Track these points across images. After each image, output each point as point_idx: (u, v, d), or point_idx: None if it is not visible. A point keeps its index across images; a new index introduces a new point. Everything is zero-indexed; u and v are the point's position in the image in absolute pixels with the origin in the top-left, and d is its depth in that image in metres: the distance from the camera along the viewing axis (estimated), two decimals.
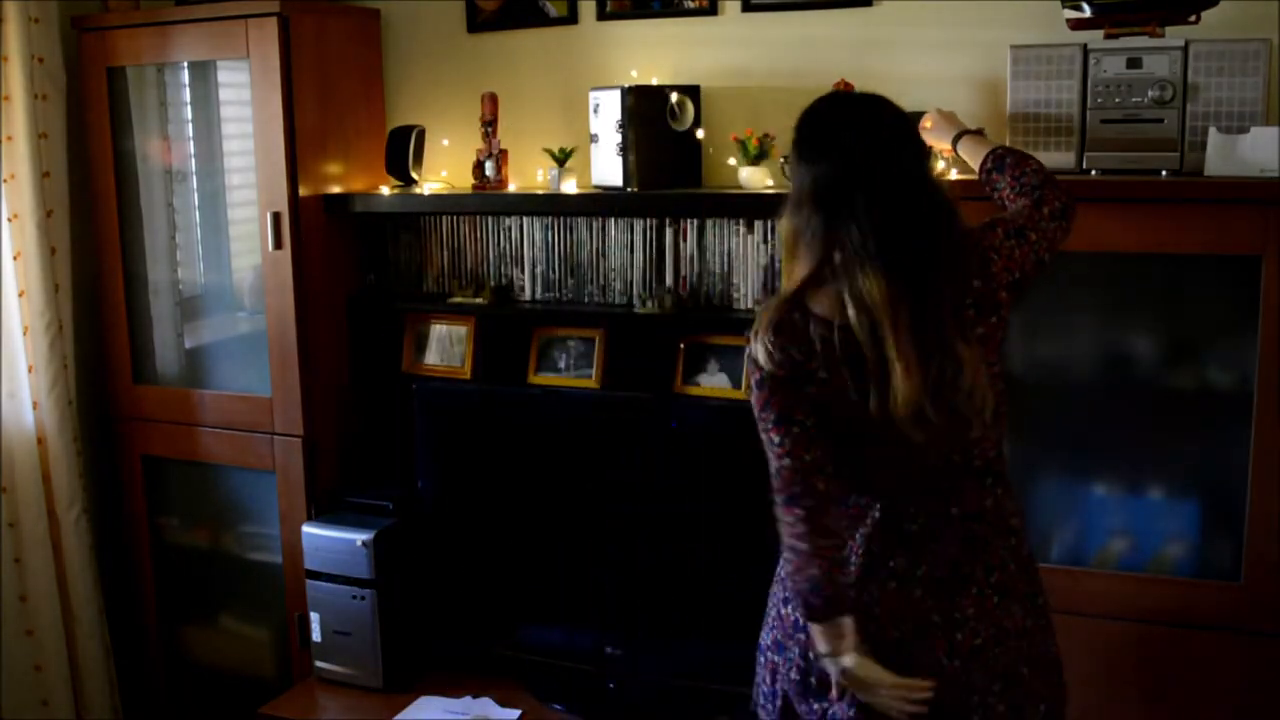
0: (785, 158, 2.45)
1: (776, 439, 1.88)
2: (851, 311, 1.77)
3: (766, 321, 1.84)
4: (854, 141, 1.81)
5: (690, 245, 2.86)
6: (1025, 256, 1.89)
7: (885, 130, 1.84)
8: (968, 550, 1.89)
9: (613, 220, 2.93)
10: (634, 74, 2.97)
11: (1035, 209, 1.96)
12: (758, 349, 1.85)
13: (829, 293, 1.81)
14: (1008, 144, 2.41)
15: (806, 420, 1.85)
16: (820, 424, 1.85)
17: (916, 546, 1.89)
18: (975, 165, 2.19)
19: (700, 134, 2.90)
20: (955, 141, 2.27)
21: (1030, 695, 1.92)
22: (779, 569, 2.02)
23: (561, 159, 2.96)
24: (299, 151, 3.00)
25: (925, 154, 1.93)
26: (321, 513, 3.11)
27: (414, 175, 3.12)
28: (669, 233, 2.88)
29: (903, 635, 1.89)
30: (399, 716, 2.87)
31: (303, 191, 3.03)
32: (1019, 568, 1.93)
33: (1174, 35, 2.33)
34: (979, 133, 2.29)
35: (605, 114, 2.81)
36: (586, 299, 2.99)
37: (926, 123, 2.35)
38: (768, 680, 2.06)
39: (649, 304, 2.87)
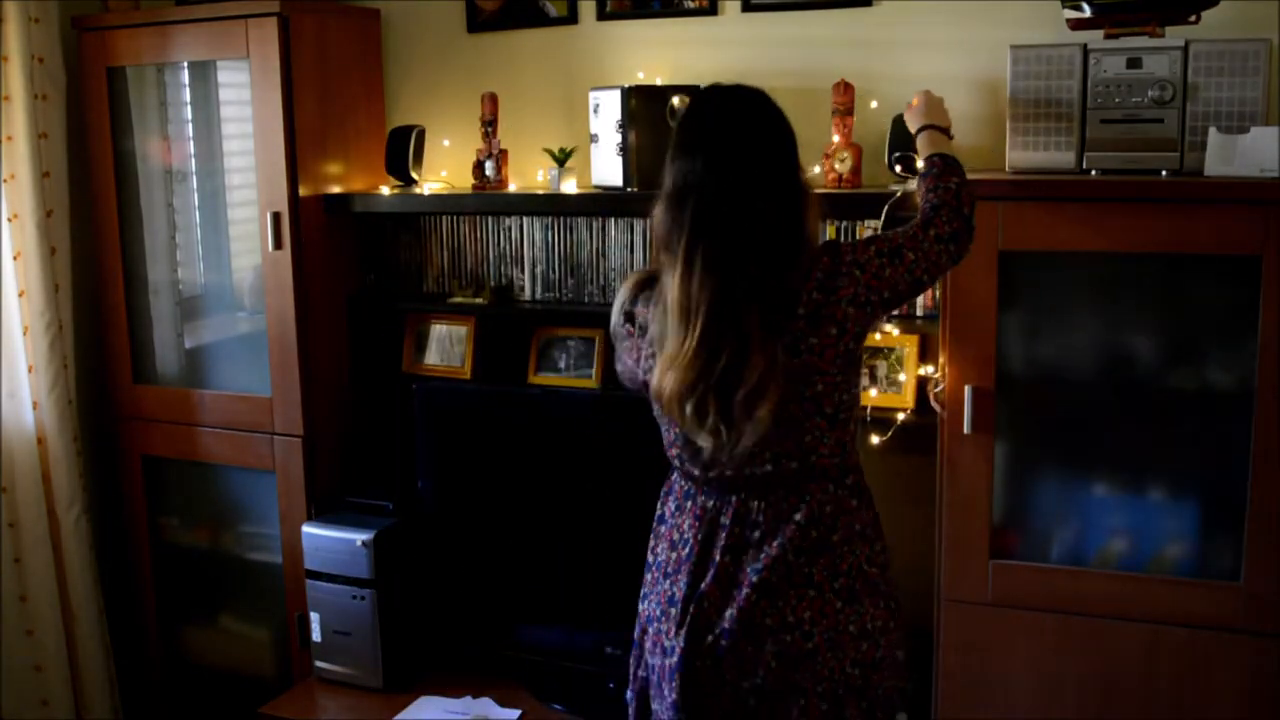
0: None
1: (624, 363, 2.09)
2: (663, 304, 1.89)
3: (618, 307, 2.04)
4: (716, 140, 1.88)
5: None
6: (897, 276, 1.92)
7: (747, 128, 1.89)
8: (809, 555, 1.93)
9: (613, 220, 2.93)
10: (639, 75, 2.97)
11: (922, 229, 1.98)
12: (615, 323, 2.06)
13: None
14: (1007, 143, 2.42)
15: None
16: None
17: (754, 549, 1.93)
18: (921, 157, 2.20)
19: None
20: (918, 132, 2.27)
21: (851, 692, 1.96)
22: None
23: (561, 159, 2.96)
24: (299, 151, 3.00)
25: (780, 160, 1.92)
26: (321, 513, 3.11)
27: (414, 175, 3.12)
28: None
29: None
30: (399, 716, 2.87)
31: (303, 191, 3.03)
32: (878, 571, 1.99)
33: (1174, 35, 2.33)
34: (945, 131, 2.27)
35: (605, 114, 2.81)
36: (586, 299, 2.99)
37: (914, 101, 2.34)
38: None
39: None
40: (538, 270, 3.04)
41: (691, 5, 2.93)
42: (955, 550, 2.40)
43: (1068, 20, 2.41)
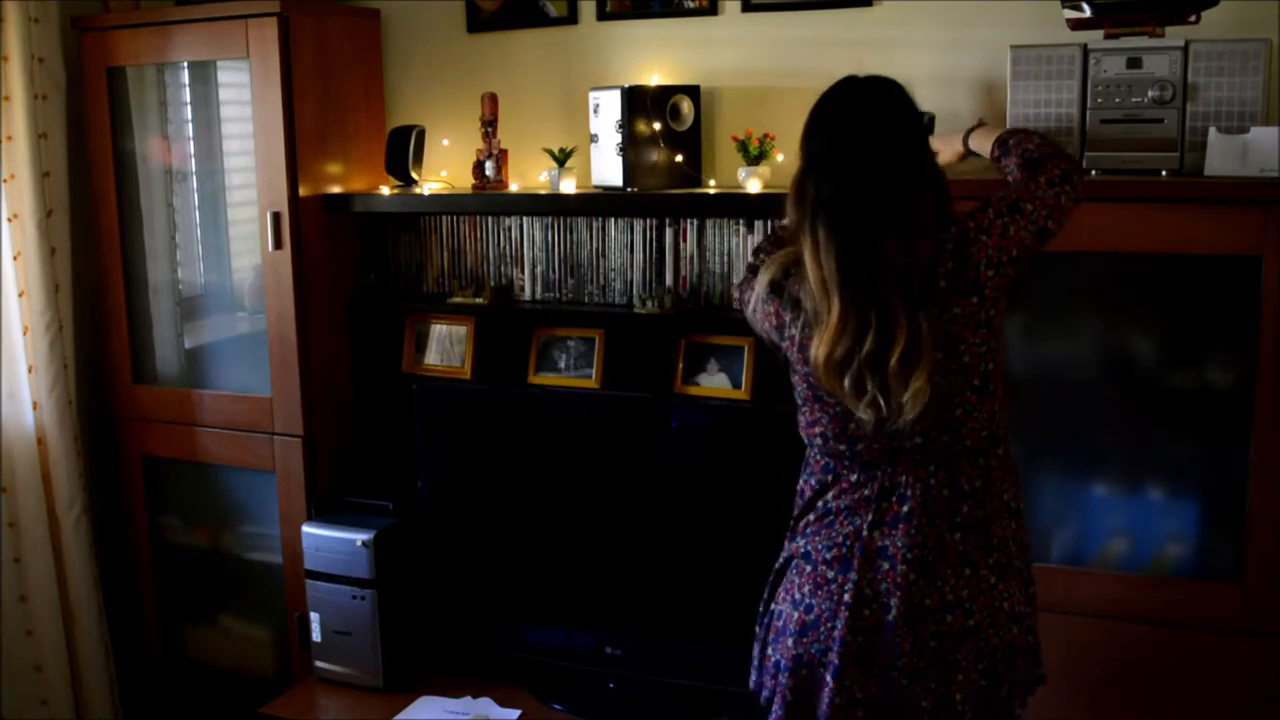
0: None
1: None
2: (808, 281, 1.88)
3: (767, 281, 1.98)
4: (839, 122, 1.92)
5: (690, 245, 2.86)
6: (1022, 230, 1.91)
7: (870, 111, 1.93)
8: (963, 531, 1.92)
9: (613, 220, 2.93)
10: (650, 76, 2.97)
11: (1032, 179, 1.97)
12: (759, 295, 1.99)
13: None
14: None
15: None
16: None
17: (905, 524, 1.91)
18: (988, 156, 2.20)
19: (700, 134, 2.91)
20: (965, 140, 2.28)
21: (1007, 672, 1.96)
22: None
23: (561, 159, 2.96)
24: (299, 151, 3.00)
25: (910, 137, 1.95)
26: (321, 513, 3.11)
27: (414, 175, 3.12)
28: (669, 233, 2.88)
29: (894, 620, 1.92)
30: (399, 716, 2.87)
31: (303, 191, 3.03)
32: (1018, 550, 1.97)
33: (1174, 35, 2.33)
34: (981, 125, 2.30)
35: (605, 114, 2.81)
36: (586, 299, 2.99)
37: (936, 145, 2.32)
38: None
39: (649, 304, 2.87)
40: (538, 270, 3.04)
41: (691, 5, 2.93)
42: None
43: (1068, 20, 2.41)
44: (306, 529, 3.03)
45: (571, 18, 3.06)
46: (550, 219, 3.00)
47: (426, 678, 3.04)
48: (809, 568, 1.98)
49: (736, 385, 2.84)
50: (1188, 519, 2.40)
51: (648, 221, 2.90)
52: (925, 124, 2.00)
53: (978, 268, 1.88)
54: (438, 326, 3.20)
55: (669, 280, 2.89)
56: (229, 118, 3.23)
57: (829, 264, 1.84)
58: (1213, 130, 2.24)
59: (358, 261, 3.23)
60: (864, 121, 1.91)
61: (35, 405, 3.17)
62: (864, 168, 1.87)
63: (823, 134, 1.92)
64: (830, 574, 1.95)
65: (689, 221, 2.86)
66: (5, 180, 3.08)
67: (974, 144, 2.27)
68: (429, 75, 3.26)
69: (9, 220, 3.10)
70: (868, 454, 1.93)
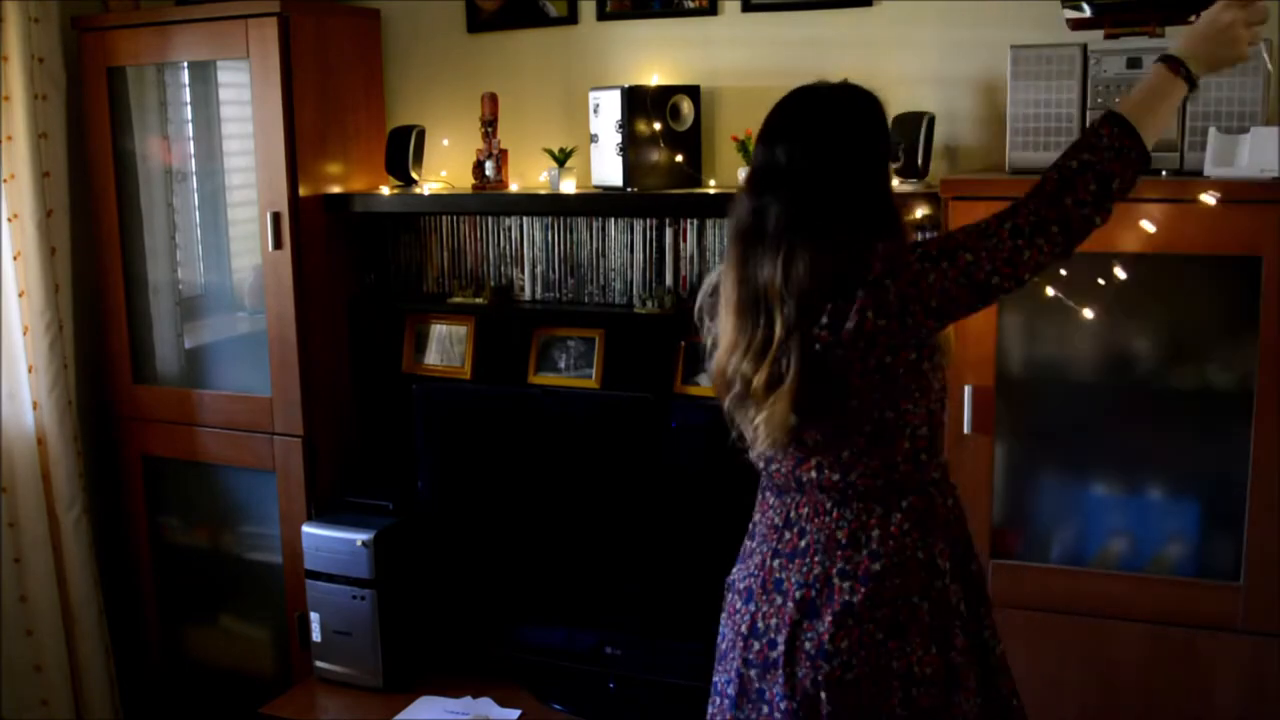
0: None
1: None
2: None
3: (700, 297, 2.00)
4: (772, 134, 1.83)
5: (690, 245, 2.86)
6: (948, 281, 1.71)
7: (804, 127, 1.81)
8: (853, 581, 1.79)
9: (613, 220, 2.93)
10: (650, 76, 2.97)
11: (998, 222, 1.74)
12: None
13: None
14: (1007, 143, 2.41)
15: None
16: None
17: (800, 559, 1.84)
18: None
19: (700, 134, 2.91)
20: (1159, 60, 1.88)
21: None
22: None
23: (561, 159, 2.96)
24: (299, 151, 3.00)
25: (863, 159, 1.80)
26: (321, 513, 3.11)
27: (414, 175, 3.12)
28: (669, 233, 2.88)
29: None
30: (399, 716, 2.87)
31: (303, 191, 3.03)
32: (935, 609, 1.81)
33: (1174, 35, 2.32)
34: (1192, 83, 1.86)
35: (605, 114, 2.81)
36: (586, 299, 2.99)
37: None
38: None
39: (649, 304, 2.87)
40: (538, 270, 3.04)
41: (691, 5, 2.93)
42: None
43: (1068, 20, 2.40)
44: (306, 529, 3.03)
45: (571, 18, 3.06)
46: (550, 219, 3.00)
47: (426, 678, 3.04)
48: (729, 595, 1.95)
49: None
50: (1188, 519, 2.40)
51: (648, 221, 2.90)
52: (879, 145, 1.83)
53: (864, 313, 1.71)
54: (438, 326, 3.20)
55: (669, 280, 2.89)
56: (229, 118, 3.23)
57: (728, 284, 1.82)
58: (1213, 130, 2.24)
59: (358, 261, 3.23)
60: (800, 134, 1.80)
61: (35, 405, 3.17)
62: (783, 188, 1.77)
63: (762, 144, 1.83)
64: (739, 603, 1.91)
65: (689, 221, 2.85)
66: (5, 180, 3.08)
67: (1151, 76, 1.87)
68: (429, 75, 3.26)
69: (9, 220, 3.10)
70: (777, 477, 1.89)
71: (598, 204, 2.91)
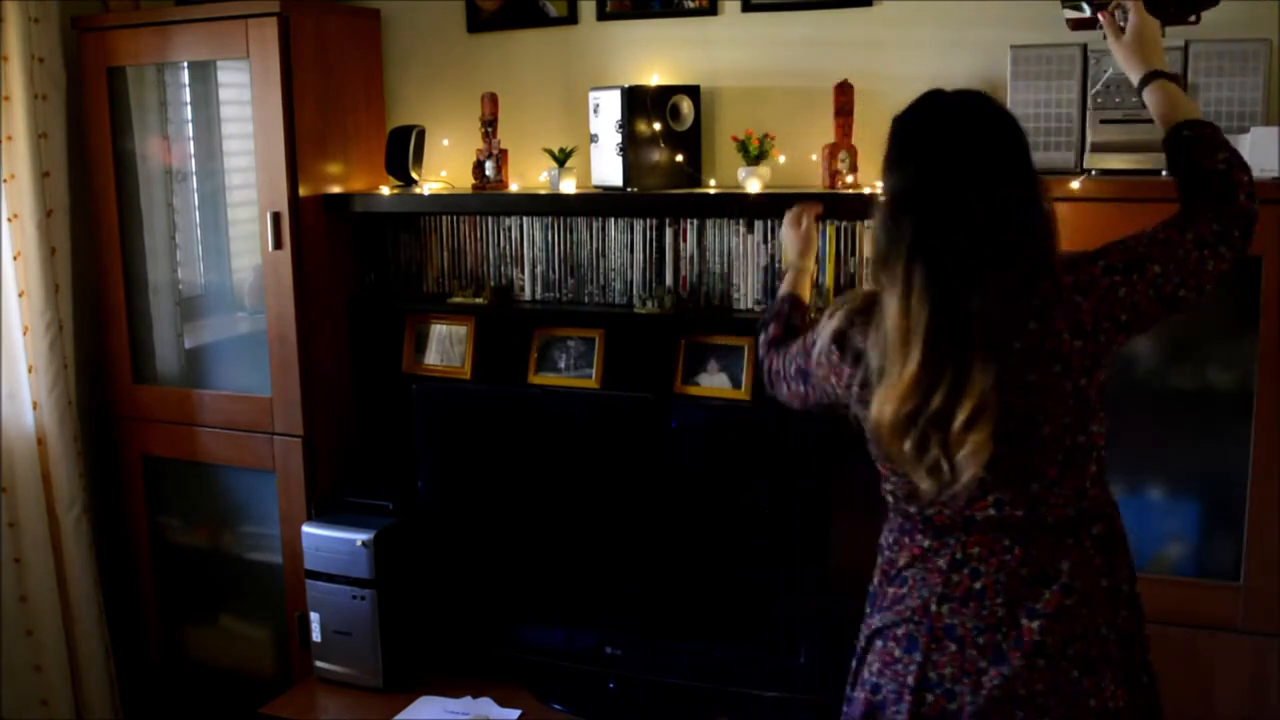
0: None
1: (792, 375, 1.98)
2: (883, 329, 1.71)
3: (831, 330, 1.82)
4: (935, 147, 1.70)
5: (690, 245, 2.86)
6: (1138, 295, 1.68)
7: (973, 134, 1.70)
8: (1044, 620, 1.71)
9: (613, 220, 2.93)
10: (650, 76, 2.97)
11: (1178, 232, 1.71)
12: (821, 346, 1.85)
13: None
14: None
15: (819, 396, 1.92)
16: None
17: (976, 602, 1.73)
18: (1159, 124, 1.90)
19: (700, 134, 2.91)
20: (1142, 86, 1.93)
21: None
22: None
23: (561, 159, 2.96)
24: (299, 151, 3.00)
25: (1020, 168, 1.71)
26: (321, 513, 3.11)
27: (414, 175, 3.12)
28: (669, 233, 2.88)
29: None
30: (399, 716, 2.87)
31: (303, 191, 3.03)
32: (1119, 641, 1.76)
33: (1174, 35, 2.33)
34: (1174, 78, 1.93)
35: (605, 114, 2.81)
36: (586, 299, 2.99)
37: (1111, 23, 2.00)
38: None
39: (649, 304, 2.87)
40: (538, 270, 3.04)
41: (691, 5, 2.93)
42: None
43: (1068, 20, 2.41)
44: (306, 529, 3.03)
45: (571, 18, 3.06)
46: (550, 219, 3.00)
47: (426, 678, 3.04)
48: (879, 643, 1.82)
49: (736, 385, 2.84)
50: (1188, 519, 2.40)
51: (648, 221, 2.90)
52: (1029, 152, 1.75)
53: (1059, 335, 1.66)
54: (438, 326, 3.20)
55: (669, 280, 2.89)
56: (229, 118, 3.23)
57: (920, 314, 1.64)
58: None
59: (358, 261, 3.23)
60: (966, 148, 1.68)
61: (35, 405, 3.17)
62: (968, 205, 1.65)
63: (915, 161, 1.70)
64: (898, 652, 1.79)
65: (689, 221, 2.85)
66: (5, 180, 3.08)
67: (1149, 101, 1.92)
68: (429, 75, 3.26)
69: (9, 220, 3.10)
70: (939, 519, 1.77)
71: (598, 204, 2.91)
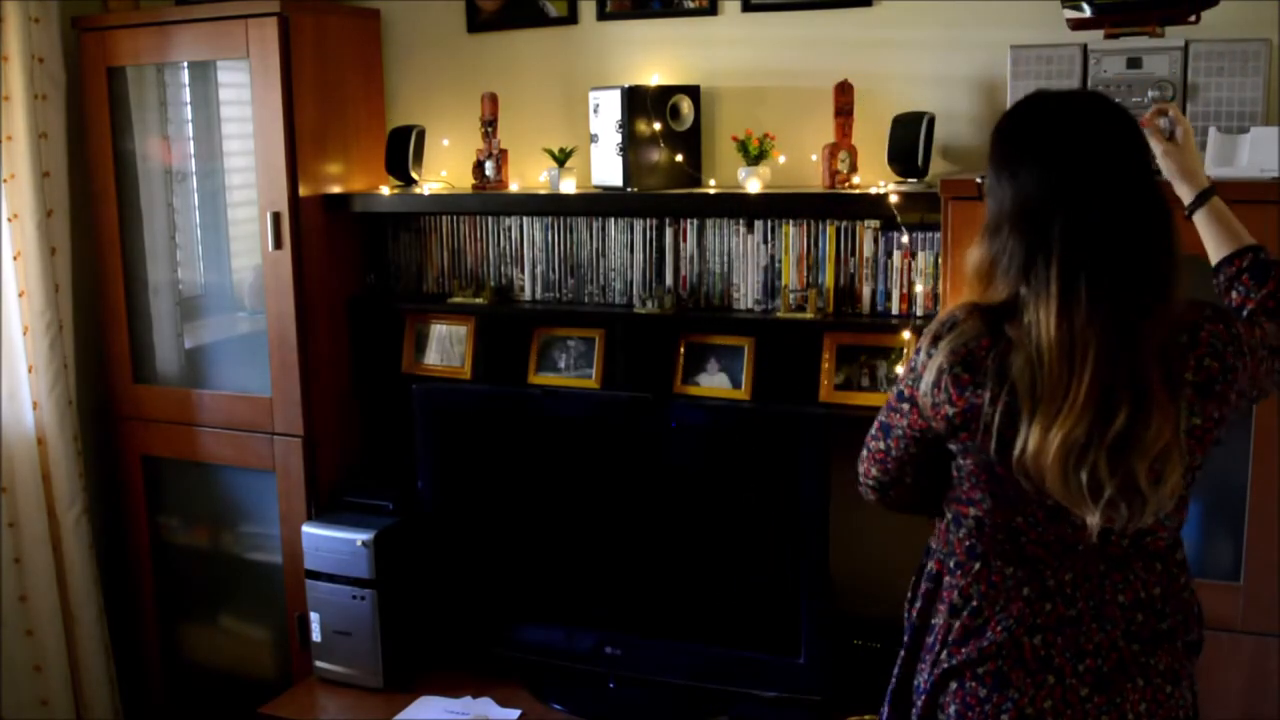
0: (981, 177, 2.03)
1: (887, 442, 1.76)
2: (1030, 347, 1.54)
3: (949, 350, 1.61)
4: (1068, 149, 1.56)
5: (690, 245, 2.86)
6: (1260, 376, 1.64)
7: (1100, 138, 1.57)
8: (1141, 643, 1.66)
9: (613, 220, 2.93)
10: (650, 76, 2.97)
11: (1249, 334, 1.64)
12: (928, 370, 1.63)
13: (1017, 325, 1.57)
14: None
15: (919, 454, 1.73)
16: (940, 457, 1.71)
17: (1071, 629, 1.65)
18: (1214, 252, 1.83)
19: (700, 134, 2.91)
20: (1193, 208, 1.85)
21: None
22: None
23: (561, 159, 2.96)
24: (299, 151, 3.00)
25: (1148, 168, 1.62)
26: (321, 513, 3.11)
27: (414, 175, 3.12)
28: (669, 233, 2.88)
29: None
30: (399, 716, 2.87)
31: (303, 191, 3.03)
32: (1186, 649, 1.72)
33: (1174, 35, 2.33)
34: (1214, 196, 1.85)
35: (605, 114, 2.81)
36: (586, 299, 2.99)
37: (1163, 132, 1.88)
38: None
39: (649, 304, 2.87)
40: (538, 270, 3.04)
41: (691, 5, 2.93)
42: None
43: (1068, 20, 2.41)
44: (306, 529, 3.03)
45: (571, 18, 3.06)
46: (550, 219, 3.00)
47: (426, 678, 3.04)
48: (956, 684, 1.69)
49: (736, 385, 2.84)
50: (1188, 519, 2.39)
51: (648, 221, 2.90)
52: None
53: (1233, 385, 1.58)
54: (438, 326, 3.20)
55: (669, 280, 2.89)
56: (229, 118, 3.23)
57: (1086, 329, 1.50)
58: (1213, 130, 2.24)
59: (358, 261, 3.23)
60: (1104, 150, 1.56)
61: (35, 405, 3.17)
62: (1116, 209, 1.53)
63: (1041, 165, 1.55)
64: (983, 692, 1.66)
65: (689, 221, 2.85)
66: (5, 180, 3.08)
67: (1201, 225, 1.84)
68: (429, 75, 3.26)
69: (9, 220, 3.10)
70: (1029, 548, 1.66)
71: (598, 204, 2.91)
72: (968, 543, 1.71)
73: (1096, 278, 1.51)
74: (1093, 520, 1.55)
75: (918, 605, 1.80)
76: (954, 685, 1.70)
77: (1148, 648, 1.66)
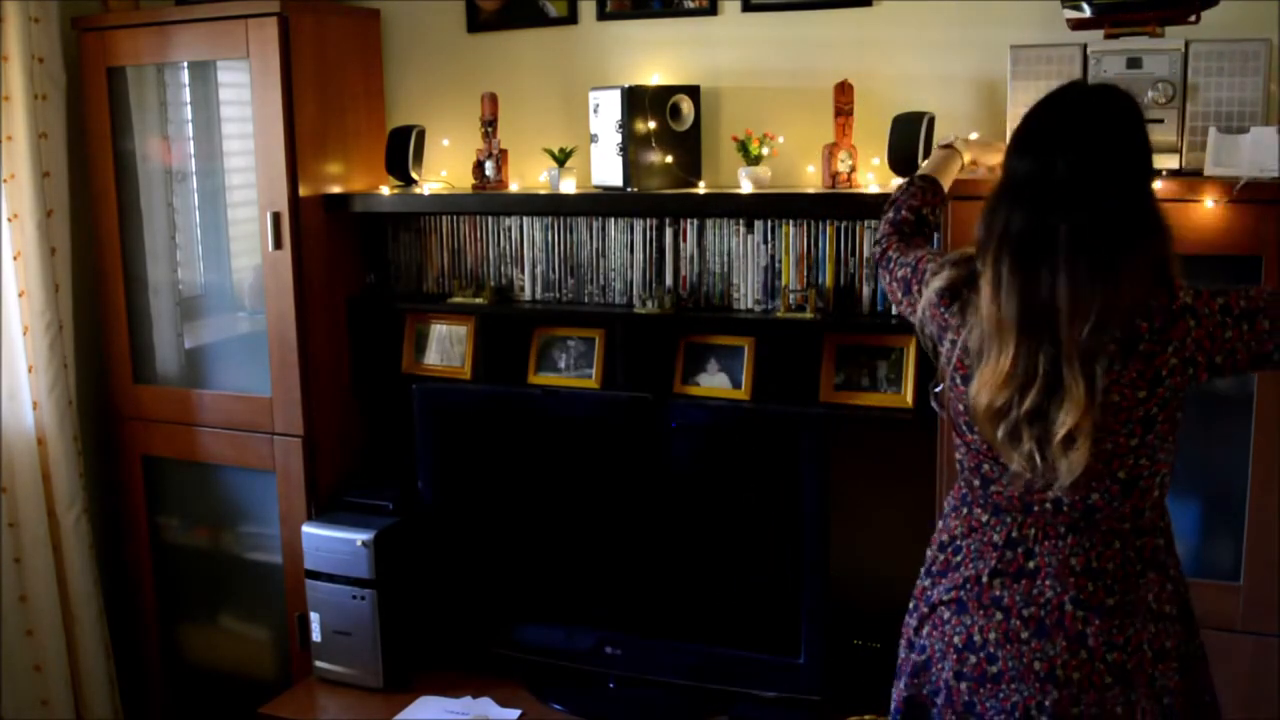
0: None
1: (898, 280, 1.99)
2: (979, 314, 1.73)
3: (945, 281, 1.82)
4: (1049, 141, 1.69)
5: (690, 245, 2.86)
6: (1239, 342, 1.68)
7: (1088, 131, 1.68)
8: (1086, 611, 1.75)
9: (613, 220, 2.93)
10: (650, 76, 2.97)
11: None
12: (929, 297, 1.85)
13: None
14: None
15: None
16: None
17: (1028, 580, 1.78)
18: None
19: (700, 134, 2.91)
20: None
21: None
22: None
23: (561, 159, 2.96)
24: (299, 151, 3.00)
25: (1134, 169, 1.70)
26: (321, 513, 3.11)
27: (414, 175, 3.12)
28: (669, 233, 2.88)
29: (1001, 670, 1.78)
30: (399, 716, 2.87)
31: (303, 191, 3.03)
32: (1155, 657, 1.77)
33: (1174, 35, 2.33)
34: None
35: (605, 114, 2.81)
36: (586, 299, 2.99)
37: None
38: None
39: (649, 304, 2.87)
40: (538, 270, 3.04)
41: (691, 5, 2.93)
42: None
43: (1068, 20, 2.41)
44: (306, 529, 3.03)
45: (571, 18, 3.06)
46: (550, 219, 3.00)
47: (426, 678, 3.04)
48: (925, 609, 1.88)
49: (736, 385, 2.84)
50: (1188, 519, 2.39)
51: (648, 221, 2.90)
52: (1150, 152, 1.72)
53: (1166, 358, 1.67)
54: (438, 326, 3.20)
55: (669, 280, 2.89)
56: (229, 118, 3.23)
57: (1009, 306, 1.66)
58: (1213, 130, 2.24)
59: (358, 261, 3.23)
60: (1079, 144, 1.66)
61: (35, 405, 3.17)
62: (1070, 203, 1.64)
63: (1031, 154, 1.69)
64: (947, 615, 1.84)
65: (689, 221, 2.85)
66: (5, 180, 3.08)
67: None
68: (429, 75, 3.26)
69: (9, 220, 3.10)
70: (998, 498, 1.82)
71: (597, 204, 2.91)
72: (960, 488, 1.90)
73: (1020, 268, 1.66)
74: (1016, 468, 1.72)
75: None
76: (930, 611, 1.88)
77: (1090, 615, 1.74)
